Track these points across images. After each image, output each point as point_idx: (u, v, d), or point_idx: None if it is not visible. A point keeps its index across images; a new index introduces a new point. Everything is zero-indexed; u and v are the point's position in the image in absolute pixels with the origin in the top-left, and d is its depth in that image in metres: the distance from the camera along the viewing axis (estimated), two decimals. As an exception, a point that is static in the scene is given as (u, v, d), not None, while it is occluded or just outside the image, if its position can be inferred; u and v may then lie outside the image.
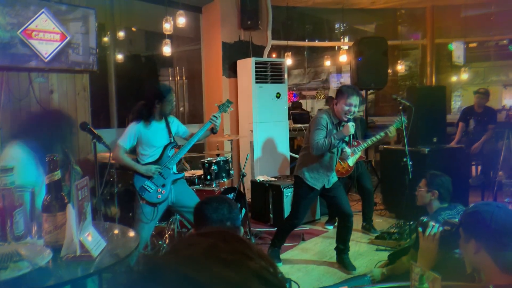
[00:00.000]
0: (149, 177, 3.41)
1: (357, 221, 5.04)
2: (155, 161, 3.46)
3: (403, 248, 3.28)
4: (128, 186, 4.10)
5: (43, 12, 3.98)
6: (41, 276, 1.60)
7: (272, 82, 6.10)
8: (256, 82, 5.94)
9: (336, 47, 8.87)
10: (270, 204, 5.20)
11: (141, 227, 3.39)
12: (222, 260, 0.57)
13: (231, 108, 3.86)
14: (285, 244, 4.20)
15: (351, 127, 3.61)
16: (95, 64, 4.46)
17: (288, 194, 5.07)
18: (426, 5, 8.15)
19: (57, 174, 1.83)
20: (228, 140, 5.15)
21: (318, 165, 3.75)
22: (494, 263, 1.49)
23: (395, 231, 4.52)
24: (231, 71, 6.30)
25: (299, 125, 6.69)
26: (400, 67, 8.21)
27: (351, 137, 3.79)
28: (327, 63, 8.98)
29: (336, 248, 3.97)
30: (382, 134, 4.55)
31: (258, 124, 5.95)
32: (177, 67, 7.27)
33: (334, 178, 3.89)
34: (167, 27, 5.16)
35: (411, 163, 4.00)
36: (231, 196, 4.42)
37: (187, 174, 4.71)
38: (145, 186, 3.40)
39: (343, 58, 7.20)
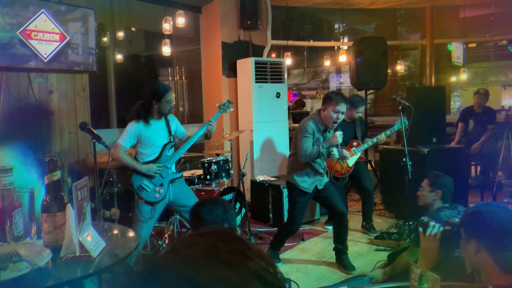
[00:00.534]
0: (148, 176, 3.41)
1: (357, 221, 5.05)
2: (153, 160, 3.46)
3: (402, 248, 3.28)
4: (128, 186, 4.10)
5: (42, 12, 3.97)
6: (41, 276, 1.59)
7: (271, 82, 6.10)
8: (256, 82, 5.94)
9: (336, 47, 8.88)
10: (270, 204, 5.20)
11: (140, 226, 3.39)
12: (222, 260, 0.57)
13: (231, 108, 3.86)
14: (284, 245, 4.19)
15: (339, 137, 3.60)
16: (94, 64, 4.45)
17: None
18: (426, 5, 8.15)
19: (57, 175, 1.82)
20: (228, 140, 5.14)
21: (308, 169, 3.76)
22: (494, 263, 1.49)
23: (394, 231, 4.52)
24: (231, 71, 6.30)
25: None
26: (400, 67, 8.21)
27: (339, 145, 3.76)
28: (327, 63, 8.99)
29: (334, 249, 3.96)
30: (384, 136, 4.56)
31: (258, 124, 5.95)
32: (177, 67, 7.27)
33: (325, 178, 3.88)
34: (166, 27, 5.16)
35: (410, 163, 4.00)
36: (230, 195, 4.42)
37: (187, 173, 4.71)
38: (143, 185, 3.41)
39: (343, 58, 7.20)
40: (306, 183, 3.77)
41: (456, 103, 9.89)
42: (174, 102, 3.53)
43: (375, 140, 4.63)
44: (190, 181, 4.55)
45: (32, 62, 3.95)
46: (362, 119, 5.03)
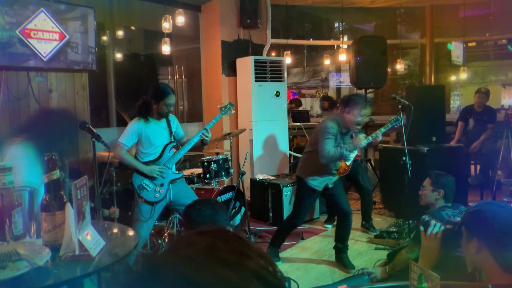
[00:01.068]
0: (149, 176, 3.41)
1: (357, 219, 5.04)
2: (154, 160, 3.46)
3: (402, 247, 3.28)
4: (127, 185, 4.10)
5: (42, 11, 3.97)
6: (40, 275, 1.59)
7: (271, 81, 6.10)
8: (256, 81, 5.94)
9: (336, 46, 8.88)
10: (270, 202, 5.20)
11: (140, 226, 3.39)
12: (221, 259, 0.57)
13: (232, 110, 3.85)
14: (284, 243, 4.19)
15: (363, 139, 3.57)
16: (94, 63, 4.45)
17: (287, 193, 5.07)
18: (425, 4, 8.14)
19: (56, 173, 1.82)
20: (228, 139, 5.14)
21: (322, 169, 3.73)
22: (495, 263, 1.49)
23: (394, 230, 4.52)
24: (231, 69, 6.30)
25: (298, 124, 6.68)
26: (399, 66, 8.20)
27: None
28: (327, 62, 8.99)
29: (335, 247, 3.96)
30: (379, 133, 4.55)
31: (258, 123, 5.95)
32: (176, 66, 7.27)
33: (335, 177, 3.88)
34: (166, 26, 5.15)
35: (410, 162, 4.00)
36: (230, 194, 4.42)
37: (187, 172, 4.71)
38: (144, 185, 3.40)
39: (343, 57, 7.20)
40: (317, 181, 3.76)
41: (456, 102, 9.89)
42: (173, 108, 3.50)
43: (370, 138, 4.61)
44: (189, 180, 4.56)
45: (31, 61, 3.94)
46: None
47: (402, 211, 4.54)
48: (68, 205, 1.79)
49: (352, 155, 4.63)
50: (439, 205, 3.00)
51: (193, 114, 7.24)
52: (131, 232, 2.21)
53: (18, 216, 1.82)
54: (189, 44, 7.18)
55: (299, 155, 6.35)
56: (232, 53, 6.29)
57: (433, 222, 2.12)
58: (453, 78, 9.31)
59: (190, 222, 2.16)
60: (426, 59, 8.41)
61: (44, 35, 4.01)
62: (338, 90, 10.59)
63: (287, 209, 5.03)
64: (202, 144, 3.66)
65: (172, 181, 3.52)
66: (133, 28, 7.82)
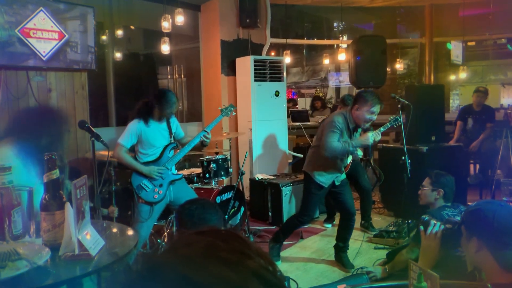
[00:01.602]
0: (148, 177, 3.41)
1: (356, 219, 5.04)
2: (154, 161, 3.45)
3: (401, 246, 3.28)
4: (127, 184, 4.09)
5: (41, 10, 3.96)
6: (40, 275, 1.59)
7: (271, 80, 6.10)
8: (255, 80, 5.94)
9: (335, 45, 8.87)
10: (269, 202, 5.20)
11: (140, 226, 3.39)
12: (221, 259, 0.57)
13: (233, 112, 3.84)
14: (284, 242, 4.19)
15: (370, 137, 3.51)
16: (93, 63, 4.45)
17: (287, 193, 5.07)
18: (425, 4, 8.14)
19: (55, 173, 1.82)
20: (227, 138, 5.14)
21: (328, 165, 3.68)
22: (495, 262, 1.49)
23: (393, 229, 4.52)
24: (230, 69, 6.30)
25: (297, 123, 6.68)
26: (399, 66, 8.20)
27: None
28: (326, 61, 8.97)
29: (335, 246, 3.96)
30: (378, 132, 4.54)
31: (257, 122, 5.95)
32: (176, 65, 7.27)
33: (343, 175, 3.85)
34: (165, 25, 5.15)
35: (409, 161, 3.99)
36: (229, 194, 4.42)
37: (186, 172, 4.71)
38: (143, 185, 3.40)
39: (342, 56, 7.19)
40: (324, 177, 3.70)
41: (455, 102, 9.89)
42: (175, 110, 3.48)
43: (379, 133, 4.60)
44: (189, 179, 4.55)
45: (31, 61, 3.94)
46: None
47: (401, 211, 4.54)
48: (67, 204, 1.79)
49: (359, 152, 4.61)
50: (439, 205, 3.00)
51: (193, 114, 7.24)
52: (130, 232, 2.21)
53: (18, 215, 1.82)
54: (189, 43, 7.18)
55: (299, 155, 6.37)
56: (231, 52, 6.29)
57: (433, 221, 2.12)
58: (452, 77, 9.31)
59: (181, 222, 2.19)
60: (426, 58, 8.41)
61: (44, 34, 4.01)
62: (338, 89, 10.60)
63: (286, 209, 5.03)
64: (202, 145, 3.65)
65: (172, 182, 3.52)
66: (132, 27, 7.81)
